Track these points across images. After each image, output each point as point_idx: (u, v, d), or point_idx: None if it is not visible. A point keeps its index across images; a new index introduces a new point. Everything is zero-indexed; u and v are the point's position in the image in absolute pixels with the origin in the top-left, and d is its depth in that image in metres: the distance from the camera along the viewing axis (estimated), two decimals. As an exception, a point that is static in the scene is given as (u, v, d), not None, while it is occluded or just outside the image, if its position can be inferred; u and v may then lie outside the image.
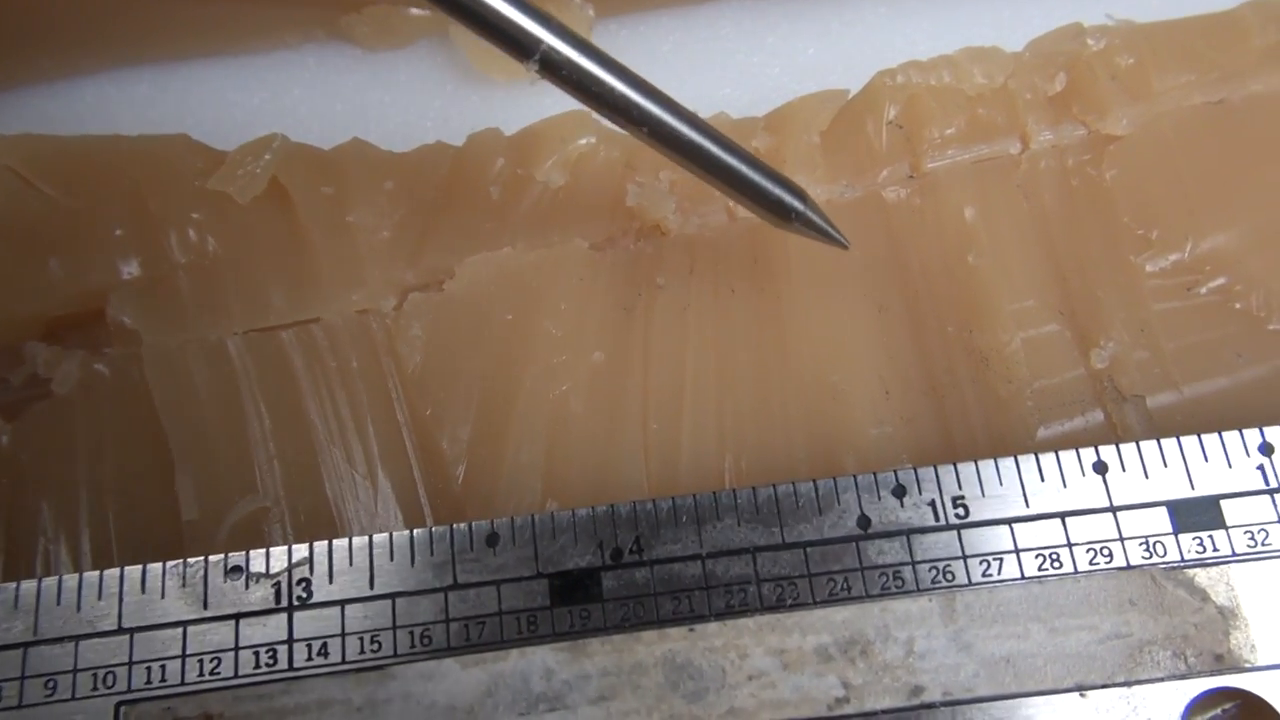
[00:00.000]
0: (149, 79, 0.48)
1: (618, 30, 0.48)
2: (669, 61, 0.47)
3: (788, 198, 0.32)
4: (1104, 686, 0.30)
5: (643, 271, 0.39)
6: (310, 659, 0.30)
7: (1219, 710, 0.30)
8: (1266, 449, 0.32)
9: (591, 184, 0.40)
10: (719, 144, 0.30)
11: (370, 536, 0.32)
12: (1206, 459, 0.32)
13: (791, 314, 0.38)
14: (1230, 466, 0.32)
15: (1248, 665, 0.30)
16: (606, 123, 0.41)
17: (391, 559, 0.31)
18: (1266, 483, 0.32)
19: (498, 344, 0.37)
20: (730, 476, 0.36)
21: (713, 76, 0.47)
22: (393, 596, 0.31)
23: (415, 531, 0.32)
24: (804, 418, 0.36)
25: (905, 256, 0.39)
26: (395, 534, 0.32)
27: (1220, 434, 0.32)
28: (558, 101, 0.49)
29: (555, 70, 0.29)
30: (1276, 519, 0.31)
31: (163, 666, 0.30)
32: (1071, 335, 0.37)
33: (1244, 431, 0.32)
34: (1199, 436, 0.32)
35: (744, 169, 0.31)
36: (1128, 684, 0.30)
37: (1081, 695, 0.30)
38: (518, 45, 0.28)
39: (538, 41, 0.28)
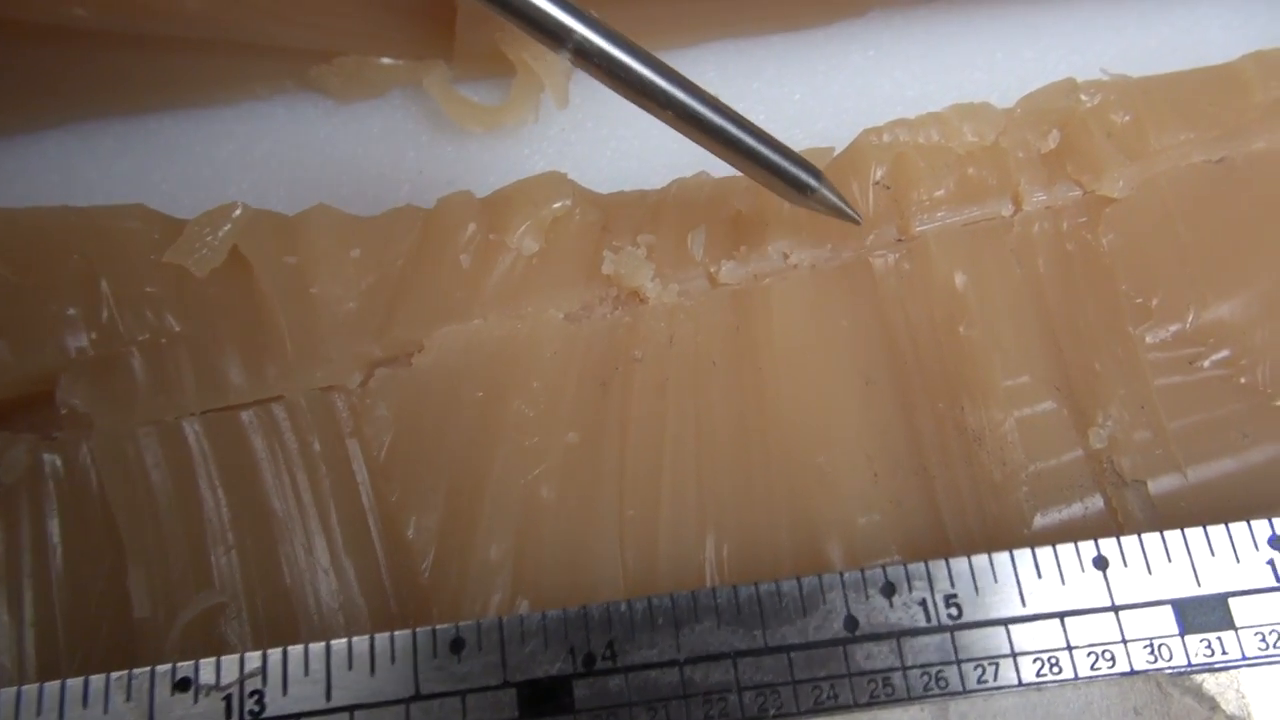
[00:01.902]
0: (113, 132, 0.46)
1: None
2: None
3: (804, 175, 0.34)
4: (1107, 802, 0.28)
5: (620, 343, 0.37)
6: (262, 779, 0.29)
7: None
8: (1277, 542, 0.30)
9: (566, 250, 0.39)
10: (740, 126, 0.32)
11: (328, 643, 0.30)
12: (1213, 553, 0.30)
13: (775, 388, 0.36)
14: (1239, 561, 0.30)
15: (1260, 778, 0.28)
16: (582, 184, 0.40)
17: (350, 667, 0.30)
18: (1278, 579, 0.30)
19: (468, 424, 0.36)
20: (711, 568, 0.34)
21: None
22: (351, 709, 0.29)
23: (376, 637, 0.30)
24: (788, 503, 0.35)
25: (893, 325, 0.37)
26: (354, 639, 0.30)
27: (1227, 526, 0.31)
28: (534, 151, 0.48)
29: (587, 58, 0.31)
30: (1289, 618, 0.30)
31: (103, 791, 0.28)
32: (1068, 413, 0.36)
33: (1252, 523, 0.31)
34: (1205, 529, 0.31)
35: (763, 148, 0.33)
36: (1133, 799, 0.28)
37: (1083, 811, 0.28)
38: (553, 35, 0.31)
39: (570, 31, 0.31)
